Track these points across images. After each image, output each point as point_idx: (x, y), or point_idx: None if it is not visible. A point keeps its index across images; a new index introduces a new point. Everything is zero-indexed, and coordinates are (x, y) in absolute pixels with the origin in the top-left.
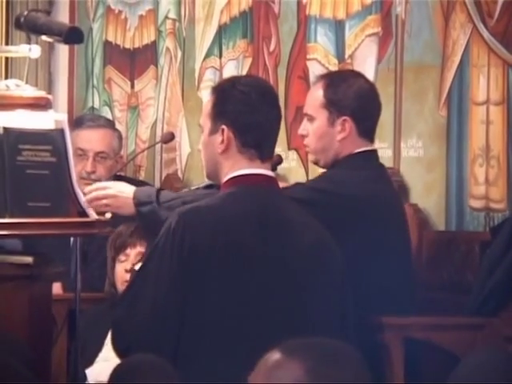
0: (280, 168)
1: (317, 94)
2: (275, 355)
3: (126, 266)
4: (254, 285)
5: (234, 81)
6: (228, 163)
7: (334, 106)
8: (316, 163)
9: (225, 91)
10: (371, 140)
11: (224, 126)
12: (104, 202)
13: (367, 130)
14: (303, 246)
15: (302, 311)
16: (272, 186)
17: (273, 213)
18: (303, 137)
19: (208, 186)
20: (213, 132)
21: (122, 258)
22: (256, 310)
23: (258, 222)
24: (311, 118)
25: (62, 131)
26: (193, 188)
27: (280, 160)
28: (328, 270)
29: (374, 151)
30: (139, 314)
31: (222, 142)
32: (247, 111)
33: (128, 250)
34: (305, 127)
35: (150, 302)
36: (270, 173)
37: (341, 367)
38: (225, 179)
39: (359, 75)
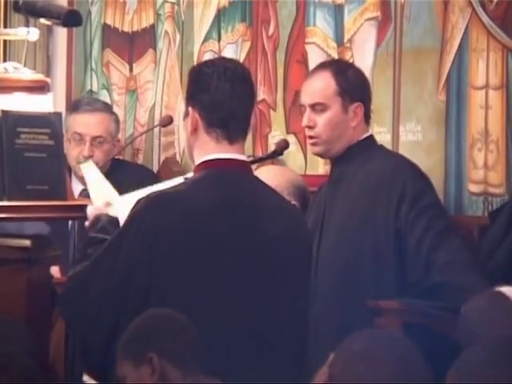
0: None
1: (327, 83)
2: None
3: None
4: (222, 272)
5: (202, 63)
6: (197, 144)
7: (346, 92)
8: (322, 155)
9: (192, 74)
10: (369, 125)
11: (190, 108)
12: None
13: (369, 115)
14: (274, 233)
15: (272, 299)
16: (243, 170)
17: (242, 199)
18: (309, 128)
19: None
20: (185, 115)
21: None
22: (225, 298)
23: (225, 208)
24: (324, 108)
25: (60, 114)
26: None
27: (287, 145)
28: (298, 258)
29: (372, 136)
30: (89, 295)
31: (191, 123)
32: (208, 90)
33: None
34: (311, 118)
35: (102, 286)
36: (240, 157)
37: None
38: (196, 163)
39: (351, 63)
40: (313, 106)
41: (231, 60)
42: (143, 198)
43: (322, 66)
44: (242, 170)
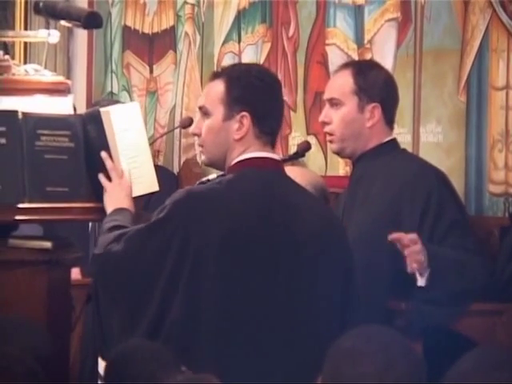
0: None
1: (345, 80)
2: None
3: None
4: (256, 270)
5: (247, 68)
6: (241, 149)
7: (364, 92)
8: (339, 153)
9: (240, 78)
10: (392, 129)
11: (245, 113)
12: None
13: (392, 118)
14: (309, 232)
15: (305, 297)
16: (279, 169)
17: (279, 197)
18: (324, 124)
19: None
20: (227, 118)
21: None
22: (258, 297)
23: (263, 206)
24: (339, 104)
25: (80, 116)
26: (204, 179)
27: (308, 146)
28: (333, 257)
29: (395, 139)
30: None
31: (239, 128)
32: (267, 99)
33: None
34: (327, 114)
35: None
36: (276, 156)
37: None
38: (232, 162)
39: (380, 65)
40: (330, 101)
41: (267, 69)
42: (181, 192)
43: (344, 65)
44: (277, 168)
